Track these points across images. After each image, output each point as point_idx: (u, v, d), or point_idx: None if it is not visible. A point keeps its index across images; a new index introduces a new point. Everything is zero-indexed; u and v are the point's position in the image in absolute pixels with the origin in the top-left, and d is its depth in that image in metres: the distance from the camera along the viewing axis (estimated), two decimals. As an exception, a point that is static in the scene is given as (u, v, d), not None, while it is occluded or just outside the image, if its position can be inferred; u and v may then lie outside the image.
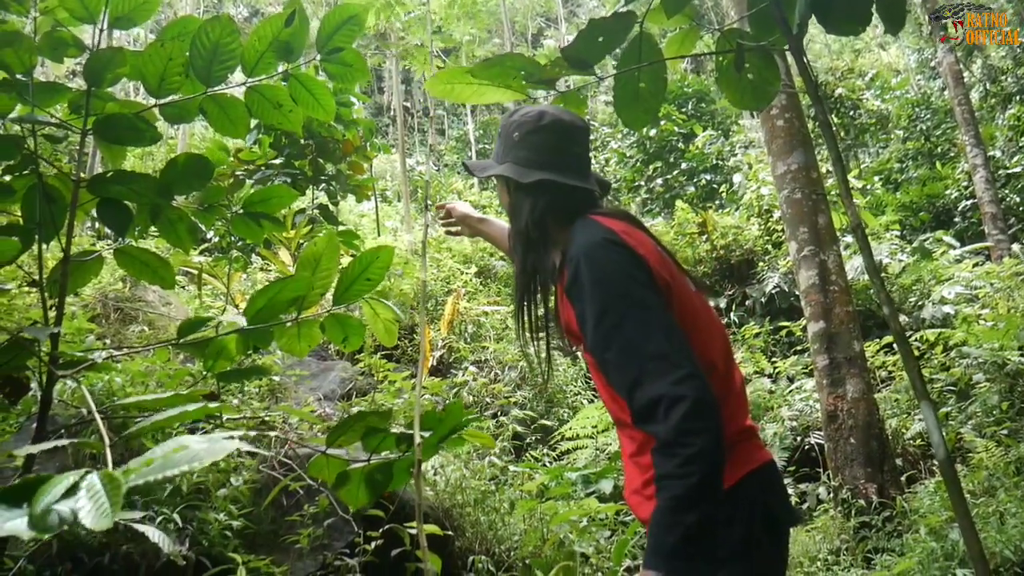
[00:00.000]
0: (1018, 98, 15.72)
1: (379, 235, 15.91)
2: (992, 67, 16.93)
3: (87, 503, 0.77)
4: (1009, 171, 13.97)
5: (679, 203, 13.65)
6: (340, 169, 9.94)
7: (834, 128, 1.91)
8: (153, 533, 1.74)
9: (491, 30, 32.06)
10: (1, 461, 3.33)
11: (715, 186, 16.73)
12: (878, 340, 8.20)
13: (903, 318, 9.15)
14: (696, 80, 22.01)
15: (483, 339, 9.81)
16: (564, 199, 1.68)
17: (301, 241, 9.30)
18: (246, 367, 1.97)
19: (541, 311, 1.71)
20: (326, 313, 1.88)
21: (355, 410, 5.62)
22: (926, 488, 5.48)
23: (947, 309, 8.66)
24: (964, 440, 5.98)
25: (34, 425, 1.70)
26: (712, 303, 1.92)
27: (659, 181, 17.41)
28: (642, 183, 17.79)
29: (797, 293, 6.96)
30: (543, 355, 1.74)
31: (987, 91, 16.87)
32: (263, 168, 9.41)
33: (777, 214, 11.26)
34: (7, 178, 1.82)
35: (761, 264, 11.54)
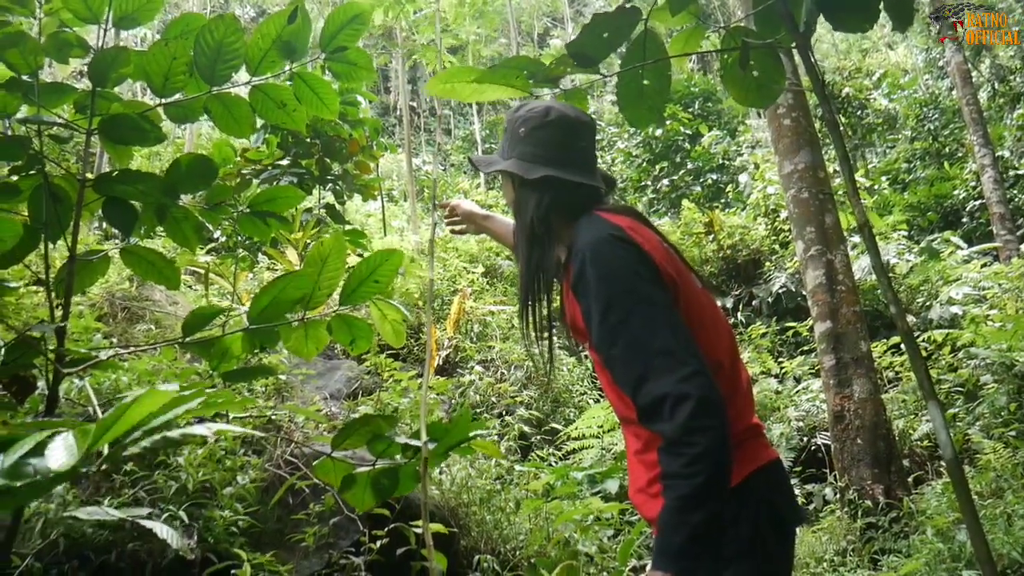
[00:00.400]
0: (1027, 98, 15.67)
1: (385, 235, 15.92)
2: (1001, 67, 16.86)
3: (56, 450, 0.78)
4: (1018, 171, 13.91)
5: (685, 203, 13.62)
6: (347, 169, 9.94)
7: (841, 127, 1.90)
8: (161, 529, 1.75)
9: (497, 29, 32.05)
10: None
11: (721, 186, 16.71)
12: (885, 340, 8.17)
13: (910, 319, 9.12)
14: (703, 79, 21.98)
15: (489, 338, 9.81)
16: (569, 195, 1.67)
17: (308, 241, 9.31)
18: (252, 366, 1.97)
19: (546, 308, 1.71)
20: (332, 312, 1.88)
21: (361, 409, 5.63)
22: (933, 489, 5.45)
23: (955, 310, 8.62)
24: (972, 441, 5.95)
25: (40, 423, 1.70)
26: (718, 303, 1.91)
27: (665, 181, 17.39)
28: (648, 183, 17.77)
29: (804, 293, 6.94)
30: (547, 353, 1.73)
31: (995, 91, 16.80)
32: (270, 168, 9.42)
33: (784, 214, 11.23)
34: (14, 178, 1.82)
35: (768, 264, 11.52)
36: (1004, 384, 6.25)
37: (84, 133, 1.81)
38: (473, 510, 4.69)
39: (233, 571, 3.42)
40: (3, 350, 1.71)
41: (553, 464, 6.57)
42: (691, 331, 1.44)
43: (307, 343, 1.88)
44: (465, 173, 29.47)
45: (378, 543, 3.82)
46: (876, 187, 14.69)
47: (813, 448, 6.75)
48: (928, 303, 9.42)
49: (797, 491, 6.08)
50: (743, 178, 14.94)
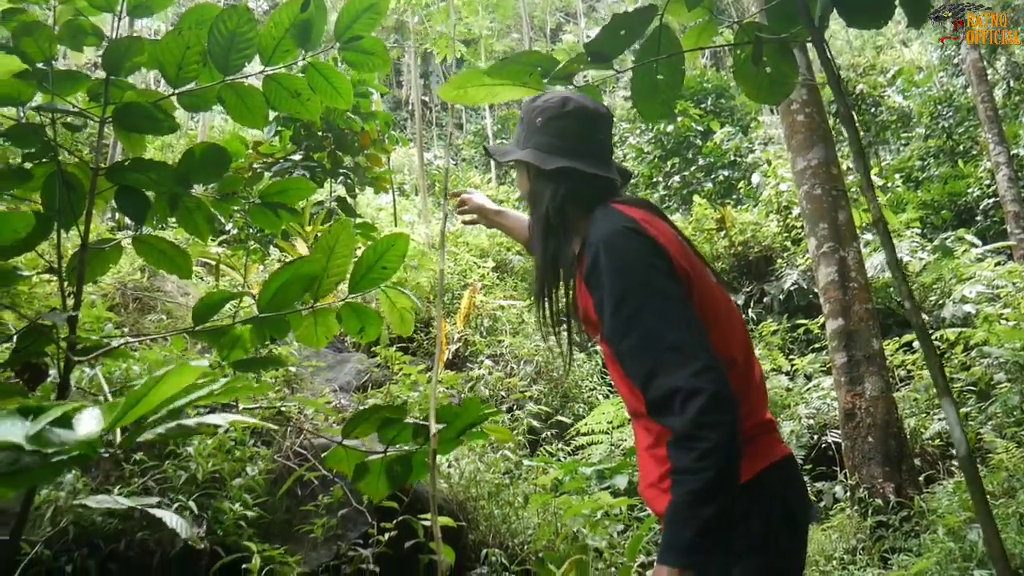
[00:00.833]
0: (1043, 96, 15.54)
1: (396, 227, 15.94)
2: (1016, 64, 16.71)
3: (84, 420, 0.78)
4: (1033, 170, 13.80)
5: (697, 199, 13.58)
6: (358, 162, 9.95)
7: (855, 124, 1.88)
8: (170, 518, 1.76)
9: (510, 24, 32.00)
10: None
11: (733, 182, 16.65)
12: (897, 338, 8.14)
13: (923, 317, 9.05)
14: (716, 76, 21.88)
15: (499, 333, 9.81)
16: (585, 187, 1.66)
17: (318, 234, 9.33)
18: (262, 356, 1.97)
19: (562, 300, 1.69)
20: (342, 302, 1.88)
21: (370, 402, 5.64)
22: (944, 488, 5.43)
23: (968, 308, 8.57)
24: (984, 441, 5.92)
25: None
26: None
27: (677, 177, 17.34)
28: (660, 179, 17.72)
29: (815, 290, 6.91)
30: (564, 344, 1.72)
31: (1011, 88, 16.66)
32: (282, 161, 9.44)
33: (796, 210, 11.18)
34: (27, 165, 1.83)
35: (780, 261, 11.48)
36: (1017, 383, 6.21)
37: (98, 121, 1.81)
38: (481, 504, 4.70)
39: (243, 564, 3.44)
40: (15, 338, 1.71)
41: (562, 459, 6.57)
42: (704, 325, 1.43)
43: (316, 332, 1.88)
44: (476, 168, 29.46)
45: (386, 536, 3.83)
46: (890, 185, 14.60)
47: (824, 446, 6.73)
48: (941, 301, 9.36)
49: (808, 489, 6.05)
50: (756, 177, 14.87)
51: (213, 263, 8.29)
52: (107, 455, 0.94)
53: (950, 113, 16.65)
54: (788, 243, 11.77)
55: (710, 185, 16.80)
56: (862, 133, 16.25)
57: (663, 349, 1.37)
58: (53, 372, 1.85)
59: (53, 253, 1.79)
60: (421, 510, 3.95)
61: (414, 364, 6.89)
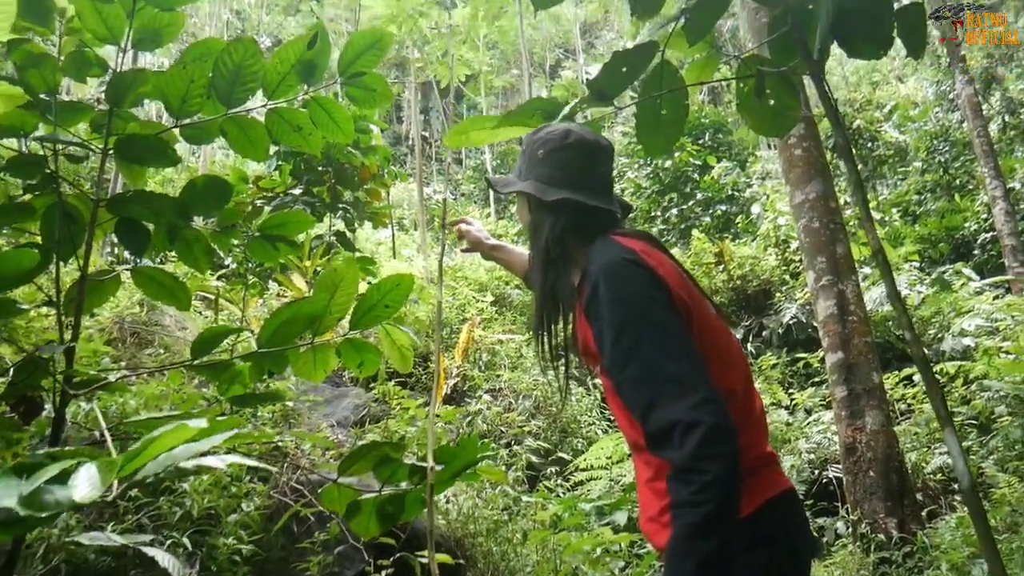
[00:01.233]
0: (1038, 131, 15.67)
1: (395, 262, 15.96)
2: (1011, 100, 16.87)
3: (81, 481, 0.77)
4: (1030, 205, 13.86)
5: (695, 232, 13.62)
6: (358, 196, 10.00)
7: (853, 154, 1.89)
8: (163, 557, 1.73)
9: (510, 60, 32.35)
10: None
11: (731, 216, 16.71)
12: (897, 372, 8.10)
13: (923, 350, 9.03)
14: (713, 111, 22.08)
15: (498, 367, 9.77)
16: (586, 219, 1.66)
17: (317, 268, 9.33)
18: (260, 392, 1.95)
19: (561, 332, 1.69)
20: (342, 338, 1.87)
21: (368, 437, 5.60)
22: (947, 523, 5.36)
23: (967, 341, 8.55)
24: (986, 475, 5.86)
25: (47, 447, 1.69)
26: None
27: (675, 211, 17.41)
28: (658, 213, 17.79)
29: (815, 324, 6.89)
30: (562, 376, 1.71)
31: (1006, 123, 16.80)
32: (281, 195, 9.48)
33: (794, 244, 11.20)
34: (27, 196, 1.83)
35: (778, 295, 11.47)
36: (1018, 416, 6.18)
37: (99, 153, 1.82)
38: (480, 541, 4.64)
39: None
40: (11, 370, 1.70)
41: (561, 495, 6.50)
42: (704, 357, 1.43)
43: (315, 367, 1.87)
44: (476, 202, 29.59)
45: (383, 573, 3.77)
46: (887, 219, 14.66)
47: (825, 481, 6.66)
48: (940, 335, 9.34)
49: (810, 524, 5.99)
50: (755, 209, 14.93)
51: (212, 297, 8.28)
52: (107, 500, 0.92)
53: (946, 148, 16.76)
54: (787, 277, 11.77)
55: (708, 219, 16.86)
56: (859, 167, 16.34)
57: (662, 381, 1.36)
58: (49, 406, 1.84)
59: (50, 286, 1.79)
60: (418, 547, 3.90)
61: (412, 399, 6.85)
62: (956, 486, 6.14)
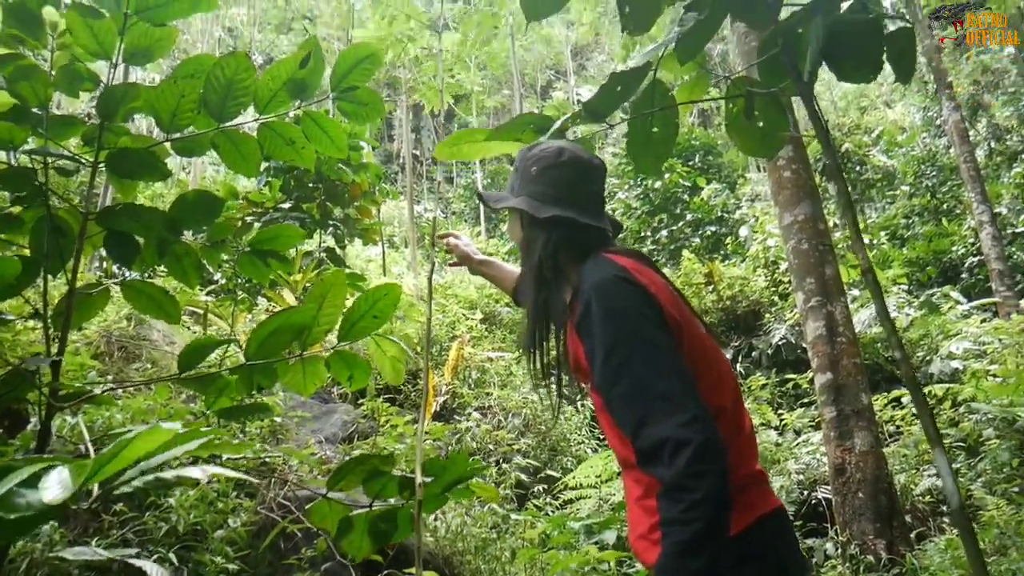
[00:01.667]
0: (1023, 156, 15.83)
1: (385, 279, 15.94)
2: (997, 126, 17.07)
3: (52, 483, 0.76)
4: (1016, 229, 13.99)
5: (685, 253, 13.68)
6: (348, 213, 10.01)
7: (843, 174, 1.91)
8: (150, 567, 1.71)
9: (501, 81, 32.50)
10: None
11: (720, 237, 16.80)
12: (886, 394, 8.12)
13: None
14: (703, 133, 22.24)
15: (487, 385, 9.75)
16: (578, 236, 1.67)
17: (306, 284, 9.32)
18: (247, 404, 1.94)
19: (553, 350, 1.69)
20: (331, 350, 1.86)
21: (356, 453, 5.56)
22: (936, 545, 5.36)
23: (955, 364, 8.59)
24: (974, 497, 5.87)
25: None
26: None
27: (664, 232, 17.49)
28: (648, 234, 17.86)
29: (803, 345, 6.92)
30: (554, 393, 1.71)
31: (992, 149, 16.99)
32: (271, 211, 9.48)
33: (783, 265, 11.26)
34: (16, 209, 1.82)
35: (767, 315, 11.51)
36: (1006, 439, 6.19)
37: (89, 166, 1.81)
38: (468, 559, 4.61)
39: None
40: (-3, 382, 1.68)
41: (550, 513, 6.48)
42: (694, 375, 1.43)
43: (305, 380, 1.86)
44: (466, 221, 29.64)
45: (370, 591, 3.74)
46: (875, 241, 14.76)
47: (814, 502, 6.65)
48: (928, 357, 9.39)
49: (800, 544, 5.97)
50: (744, 231, 15.02)
51: (200, 312, 8.25)
52: (84, 508, 0.91)
53: (934, 172, 16.93)
54: (776, 298, 11.81)
55: (698, 240, 16.94)
56: (848, 189, 16.42)
57: (652, 398, 1.36)
58: (34, 419, 1.82)
59: (38, 298, 1.78)
60: (406, 564, 3.87)
61: (401, 416, 6.82)
62: (945, 508, 6.15)
